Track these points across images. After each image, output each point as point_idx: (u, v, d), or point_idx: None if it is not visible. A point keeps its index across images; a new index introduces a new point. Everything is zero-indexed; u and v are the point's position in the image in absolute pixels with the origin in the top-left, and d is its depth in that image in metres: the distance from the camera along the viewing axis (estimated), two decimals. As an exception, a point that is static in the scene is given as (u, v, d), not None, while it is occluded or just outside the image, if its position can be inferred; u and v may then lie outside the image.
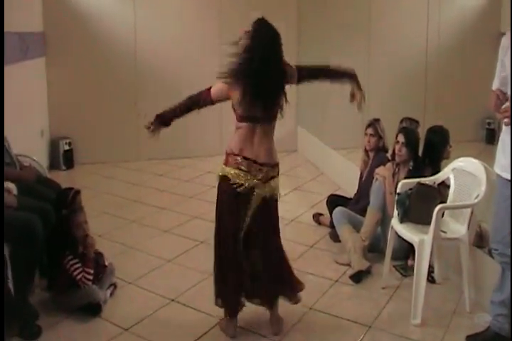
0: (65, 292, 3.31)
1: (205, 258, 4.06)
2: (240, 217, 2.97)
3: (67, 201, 3.46)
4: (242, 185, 2.92)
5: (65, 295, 3.31)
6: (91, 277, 3.34)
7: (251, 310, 3.18)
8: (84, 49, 6.66)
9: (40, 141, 6.19)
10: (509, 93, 2.72)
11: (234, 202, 2.96)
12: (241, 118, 2.95)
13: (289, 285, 3.15)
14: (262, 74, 2.85)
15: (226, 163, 2.98)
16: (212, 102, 3.01)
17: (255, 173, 2.93)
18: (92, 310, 3.28)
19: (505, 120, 2.67)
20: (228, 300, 3.07)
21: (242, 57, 2.88)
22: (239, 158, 2.93)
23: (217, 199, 3.05)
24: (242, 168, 2.92)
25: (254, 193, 2.95)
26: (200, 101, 3.04)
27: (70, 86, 6.67)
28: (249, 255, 3.03)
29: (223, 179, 2.98)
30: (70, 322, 3.22)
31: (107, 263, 3.60)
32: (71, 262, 3.32)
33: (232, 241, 2.98)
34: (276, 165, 3.05)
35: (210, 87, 3.00)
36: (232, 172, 2.93)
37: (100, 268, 3.49)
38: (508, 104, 2.70)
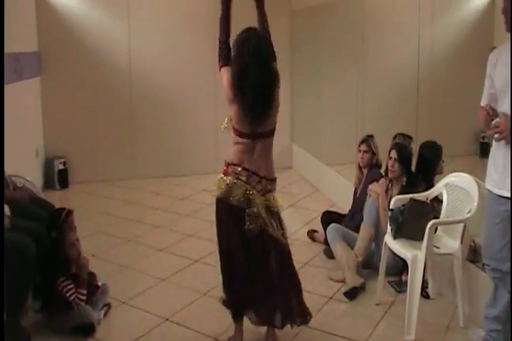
0: (58, 313, 3.29)
1: (200, 277, 4.09)
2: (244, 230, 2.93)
3: (59, 222, 3.45)
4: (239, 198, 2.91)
5: (59, 317, 3.29)
6: (84, 297, 3.33)
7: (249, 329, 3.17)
8: (79, 69, 6.70)
9: (35, 161, 6.20)
10: (503, 108, 2.74)
11: (236, 218, 2.94)
12: (240, 135, 2.94)
13: (296, 309, 3.08)
14: (254, 91, 2.82)
15: (225, 173, 2.97)
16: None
17: (254, 185, 2.93)
18: (86, 330, 3.26)
19: (496, 136, 2.68)
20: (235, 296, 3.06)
21: (233, 71, 2.89)
22: (239, 168, 2.93)
23: (217, 218, 3.05)
24: (242, 178, 2.92)
25: (254, 203, 2.92)
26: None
27: (65, 105, 6.71)
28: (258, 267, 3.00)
29: (221, 200, 2.96)
30: (64, 343, 3.20)
31: (100, 283, 3.59)
32: (64, 283, 3.30)
33: (238, 255, 2.98)
34: (275, 179, 3.05)
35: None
36: (231, 182, 2.92)
37: (93, 289, 3.48)
38: (498, 119, 2.72)
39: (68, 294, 3.28)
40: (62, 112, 6.69)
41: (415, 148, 4.31)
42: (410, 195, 3.66)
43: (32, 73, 6.10)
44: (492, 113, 2.75)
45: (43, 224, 3.48)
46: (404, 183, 4.05)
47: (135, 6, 6.86)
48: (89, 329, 3.27)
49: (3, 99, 4.28)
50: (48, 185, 6.54)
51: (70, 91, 6.71)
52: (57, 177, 6.55)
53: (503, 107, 2.73)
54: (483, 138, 6.62)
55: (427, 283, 3.72)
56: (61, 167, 6.58)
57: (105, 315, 3.50)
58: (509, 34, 2.71)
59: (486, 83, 2.90)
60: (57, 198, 6.04)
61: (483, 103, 2.89)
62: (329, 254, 4.37)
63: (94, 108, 6.85)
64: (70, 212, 3.57)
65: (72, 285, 3.32)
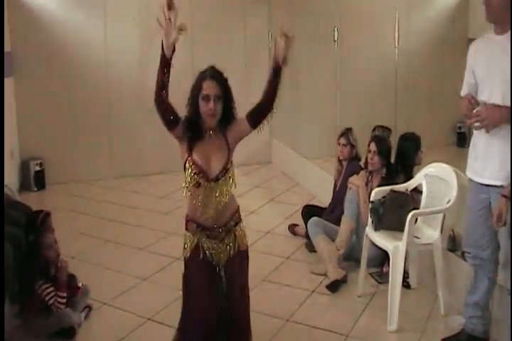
0: (37, 317, 3.24)
1: (181, 275, 4.03)
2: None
3: (37, 224, 3.39)
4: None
5: (38, 321, 3.24)
6: (64, 300, 3.28)
7: None
8: (53, 68, 6.57)
9: (10, 163, 6.08)
10: (483, 98, 2.75)
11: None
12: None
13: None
14: None
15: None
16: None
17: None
18: (66, 334, 3.21)
19: (476, 124, 2.70)
20: None
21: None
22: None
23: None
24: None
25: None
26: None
27: (40, 105, 6.58)
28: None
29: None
30: (44, 348, 3.16)
31: (80, 285, 3.53)
32: (43, 286, 3.25)
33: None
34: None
35: None
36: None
37: (73, 291, 3.43)
38: (478, 108, 2.74)
39: (48, 298, 3.23)
40: (36, 113, 6.57)
41: (394, 139, 4.31)
42: (390, 187, 3.67)
43: (4, 73, 5.98)
44: (474, 102, 2.78)
45: (20, 227, 3.41)
46: (383, 175, 4.06)
47: (112, 4, 6.74)
48: (69, 332, 3.23)
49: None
50: (24, 187, 6.42)
51: (45, 92, 6.58)
52: (34, 178, 6.43)
53: (483, 96, 2.76)
54: (460, 128, 6.71)
55: (408, 274, 3.73)
56: (37, 168, 6.46)
57: (86, 317, 3.46)
58: (489, 24, 2.73)
59: (466, 73, 2.92)
60: (34, 200, 5.93)
61: (463, 93, 2.92)
62: (310, 248, 4.36)
63: (69, 108, 6.72)
64: (47, 214, 3.52)
65: (51, 289, 3.26)
